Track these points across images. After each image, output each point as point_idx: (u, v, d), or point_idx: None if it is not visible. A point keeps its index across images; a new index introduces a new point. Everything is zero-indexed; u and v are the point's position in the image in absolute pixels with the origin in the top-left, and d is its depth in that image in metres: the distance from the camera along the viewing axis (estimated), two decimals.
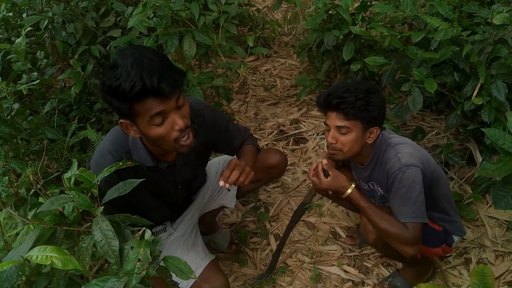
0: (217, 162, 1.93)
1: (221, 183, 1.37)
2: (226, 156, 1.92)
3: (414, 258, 1.59)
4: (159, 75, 1.12)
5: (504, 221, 2.13)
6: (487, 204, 2.22)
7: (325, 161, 1.66)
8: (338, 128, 1.57)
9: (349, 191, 1.62)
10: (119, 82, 1.11)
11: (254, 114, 3.20)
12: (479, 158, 2.29)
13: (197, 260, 1.63)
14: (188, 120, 1.26)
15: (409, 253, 1.54)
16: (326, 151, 1.67)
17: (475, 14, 2.11)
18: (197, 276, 1.54)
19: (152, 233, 1.70)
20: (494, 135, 1.36)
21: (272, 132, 2.98)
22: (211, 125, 1.55)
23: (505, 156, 1.36)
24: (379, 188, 1.71)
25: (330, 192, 1.69)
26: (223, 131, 1.63)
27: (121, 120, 1.24)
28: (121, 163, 1.24)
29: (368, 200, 1.65)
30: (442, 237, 1.74)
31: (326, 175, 1.65)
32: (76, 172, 1.14)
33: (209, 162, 1.85)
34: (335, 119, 1.57)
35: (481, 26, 2.07)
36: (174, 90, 1.17)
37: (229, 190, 1.38)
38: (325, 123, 1.63)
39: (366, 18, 2.76)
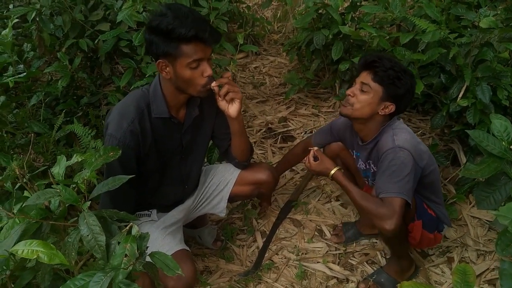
0: (209, 172, 1.97)
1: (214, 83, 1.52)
2: (219, 168, 1.97)
3: (393, 235, 1.60)
4: (209, 27, 1.41)
5: (486, 221, 2.18)
6: (470, 204, 2.26)
7: (315, 148, 1.86)
8: (362, 84, 1.67)
9: (332, 172, 1.75)
10: (174, 25, 1.35)
11: (243, 111, 3.19)
12: (463, 159, 2.33)
13: (171, 244, 1.66)
14: (212, 72, 1.47)
15: (385, 228, 1.56)
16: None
17: (462, 17, 2.15)
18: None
19: (135, 214, 1.74)
20: (478, 136, 1.39)
21: (260, 129, 2.98)
22: (214, 99, 1.66)
23: (489, 158, 1.38)
24: (374, 166, 1.79)
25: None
26: (222, 112, 1.69)
27: (159, 60, 1.43)
28: None
29: (351, 182, 1.72)
30: (435, 223, 1.81)
31: (316, 160, 1.82)
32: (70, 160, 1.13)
33: (203, 168, 1.96)
34: (364, 76, 1.67)
35: (468, 29, 2.11)
36: (215, 42, 1.44)
37: (213, 90, 1.54)
38: (355, 81, 1.73)
39: (356, 18, 2.78)
